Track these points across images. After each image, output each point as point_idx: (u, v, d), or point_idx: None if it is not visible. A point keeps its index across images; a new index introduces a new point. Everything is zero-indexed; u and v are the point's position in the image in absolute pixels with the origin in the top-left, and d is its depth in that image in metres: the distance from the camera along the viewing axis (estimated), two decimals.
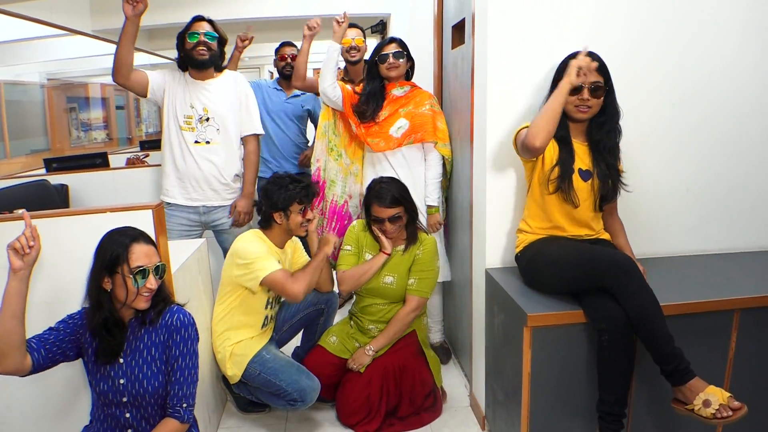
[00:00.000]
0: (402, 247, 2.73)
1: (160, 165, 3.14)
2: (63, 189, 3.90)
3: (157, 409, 1.83)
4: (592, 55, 2.13)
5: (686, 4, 2.39)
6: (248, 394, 2.67)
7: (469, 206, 2.73)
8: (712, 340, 2.15)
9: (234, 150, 3.06)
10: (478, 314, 2.65)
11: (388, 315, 2.73)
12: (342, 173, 3.25)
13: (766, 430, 2.24)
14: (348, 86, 3.13)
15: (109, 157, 4.84)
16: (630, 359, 1.96)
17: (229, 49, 3.18)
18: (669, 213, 2.56)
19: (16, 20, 4.31)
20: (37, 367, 1.69)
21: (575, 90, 2.12)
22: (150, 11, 2.73)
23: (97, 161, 4.62)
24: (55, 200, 3.72)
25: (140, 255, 1.72)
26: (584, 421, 2.11)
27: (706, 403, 1.81)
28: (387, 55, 2.98)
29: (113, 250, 1.71)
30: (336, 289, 2.85)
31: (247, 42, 3.53)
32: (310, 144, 4.14)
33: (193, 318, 1.86)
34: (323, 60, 3.06)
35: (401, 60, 2.99)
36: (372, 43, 3.71)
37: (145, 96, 2.97)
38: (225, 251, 3.12)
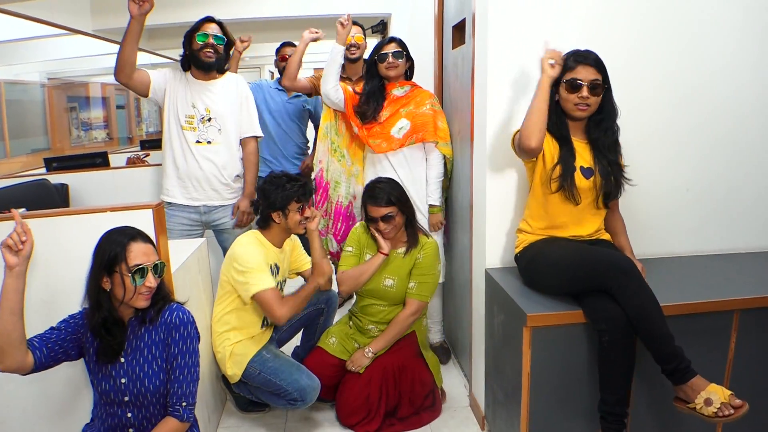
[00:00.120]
0: (402, 249, 2.72)
1: (160, 164, 3.14)
2: (63, 188, 3.90)
3: (159, 408, 1.83)
4: (587, 52, 2.15)
5: (686, 4, 2.39)
6: (248, 393, 2.67)
7: (469, 206, 2.72)
8: (712, 341, 2.15)
9: (234, 150, 3.06)
10: (477, 314, 2.65)
11: (389, 316, 2.73)
12: (345, 174, 3.26)
13: (766, 430, 2.24)
14: (349, 87, 3.13)
15: (110, 156, 4.84)
16: (630, 359, 1.96)
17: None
18: (669, 213, 2.56)
19: (17, 20, 4.31)
20: (39, 366, 1.69)
21: (574, 88, 2.13)
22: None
23: (98, 161, 4.62)
24: (55, 200, 3.72)
25: (138, 253, 1.72)
26: (584, 421, 2.11)
27: (708, 402, 1.82)
28: (386, 54, 2.98)
29: (111, 249, 1.71)
30: (336, 288, 2.85)
31: (246, 44, 3.54)
32: (310, 144, 4.14)
33: (192, 316, 1.86)
34: (326, 61, 3.06)
35: (400, 60, 3.00)
36: (372, 42, 3.71)
37: (146, 96, 2.97)
38: (225, 251, 3.12)
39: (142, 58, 2.87)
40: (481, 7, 2.39)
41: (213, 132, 2.98)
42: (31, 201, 3.37)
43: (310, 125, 4.10)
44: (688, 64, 2.44)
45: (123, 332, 1.78)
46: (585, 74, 2.12)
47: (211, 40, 2.91)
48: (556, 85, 2.19)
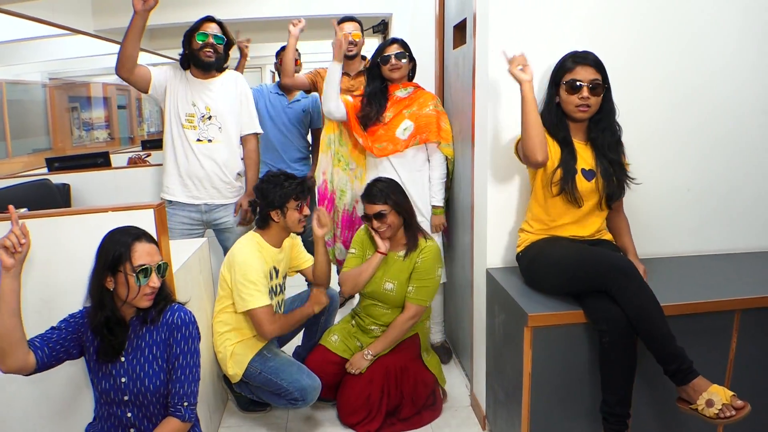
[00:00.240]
0: (402, 252, 2.71)
1: (161, 164, 3.14)
2: (65, 188, 3.90)
3: (159, 407, 1.83)
4: (585, 53, 2.15)
5: (686, 4, 2.39)
6: (249, 393, 2.68)
7: (470, 206, 2.73)
8: (713, 341, 2.15)
9: (235, 148, 3.07)
10: (478, 314, 2.65)
11: (391, 318, 2.73)
12: (350, 181, 3.26)
13: (767, 430, 2.24)
14: (349, 97, 3.12)
15: (111, 156, 4.84)
16: (631, 360, 1.96)
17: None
18: (669, 213, 2.56)
19: (18, 20, 4.32)
20: (41, 366, 1.69)
21: (574, 89, 2.13)
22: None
23: (99, 161, 4.62)
24: (57, 200, 3.72)
25: (143, 253, 1.73)
26: (585, 421, 2.11)
27: (710, 403, 1.81)
28: (389, 56, 2.98)
29: (116, 249, 1.71)
30: (337, 288, 2.86)
31: (247, 44, 3.55)
32: (311, 148, 4.15)
33: (193, 316, 1.86)
34: (325, 82, 3.07)
35: (403, 61, 2.99)
36: (372, 41, 3.71)
37: (146, 92, 2.97)
38: (226, 250, 3.13)
39: (143, 59, 2.88)
40: (482, 7, 2.39)
41: (213, 130, 2.98)
42: (32, 201, 3.37)
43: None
44: (689, 64, 2.44)
45: (124, 331, 1.79)
46: (584, 74, 2.12)
47: (211, 40, 2.91)
48: (555, 87, 2.19)
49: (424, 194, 3.06)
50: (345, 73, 3.63)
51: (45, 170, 4.44)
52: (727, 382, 2.18)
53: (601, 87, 2.14)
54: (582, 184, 2.17)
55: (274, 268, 2.62)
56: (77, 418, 2.03)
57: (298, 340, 2.97)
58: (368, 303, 2.79)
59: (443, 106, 3.27)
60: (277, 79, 4.13)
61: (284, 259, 2.70)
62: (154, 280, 1.74)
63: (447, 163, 3.07)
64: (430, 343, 3.09)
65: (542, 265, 2.19)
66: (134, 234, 1.75)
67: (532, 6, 2.31)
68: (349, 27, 3.55)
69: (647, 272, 2.20)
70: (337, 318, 2.98)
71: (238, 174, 3.11)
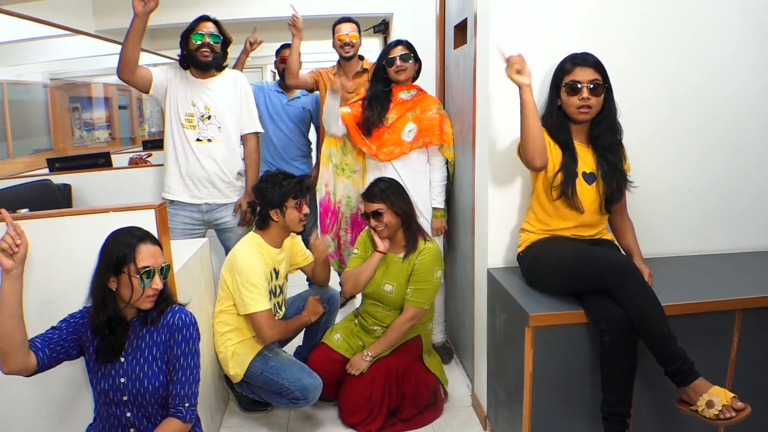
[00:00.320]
0: (402, 254, 2.70)
1: (162, 165, 3.14)
2: (66, 189, 3.91)
3: (158, 408, 1.83)
4: (584, 54, 2.15)
5: (686, 4, 2.39)
6: (250, 393, 2.68)
7: (471, 206, 2.72)
8: (714, 341, 2.15)
9: (235, 148, 3.07)
10: (479, 314, 2.65)
11: (392, 319, 2.73)
12: (353, 185, 3.27)
13: None
14: (346, 108, 3.12)
15: (112, 156, 4.85)
16: (632, 360, 1.96)
17: (232, 49, 3.18)
18: (670, 213, 2.56)
19: (19, 20, 4.32)
20: (42, 367, 1.69)
21: (574, 90, 2.12)
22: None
23: (100, 161, 4.63)
24: (58, 200, 3.73)
25: (147, 255, 1.73)
26: (586, 420, 2.11)
27: (710, 404, 1.81)
28: (394, 58, 2.98)
29: (120, 249, 1.71)
30: (338, 288, 2.86)
31: (256, 46, 3.54)
32: (313, 146, 4.14)
33: (194, 318, 1.86)
34: (324, 110, 3.08)
35: (409, 62, 2.99)
36: (372, 41, 3.71)
37: (147, 92, 2.97)
38: (227, 250, 3.13)
39: (144, 59, 2.89)
40: (483, 7, 2.39)
41: (213, 130, 2.98)
42: (34, 201, 3.38)
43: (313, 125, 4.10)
44: (689, 64, 2.43)
45: (125, 332, 1.79)
46: (583, 75, 2.12)
47: (208, 39, 2.91)
48: (556, 90, 2.19)
49: (425, 196, 3.05)
50: (343, 74, 3.64)
51: (46, 170, 4.44)
52: (728, 382, 2.18)
53: (602, 87, 2.13)
54: (582, 187, 2.17)
55: (275, 269, 2.62)
56: (77, 419, 2.03)
57: (299, 340, 2.98)
58: (370, 303, 2.79)
59: (444, 106, 3.27)
60: (277, 78, 4.13)
61: (285, 259, 2.70)
62: (157, 282, 1.74)
63: (447, 166, 3.07)
64: (431, 343, 3.09)
65: (543, 264, 2.19)
66: (138, 235, 1.75)
67: (532, 6, 2.30)
68: (347, 28, 3.55)
69: (652, 275, 2.19)
70: (339, 317, 2.98)
71: (239, 173, 3.11)
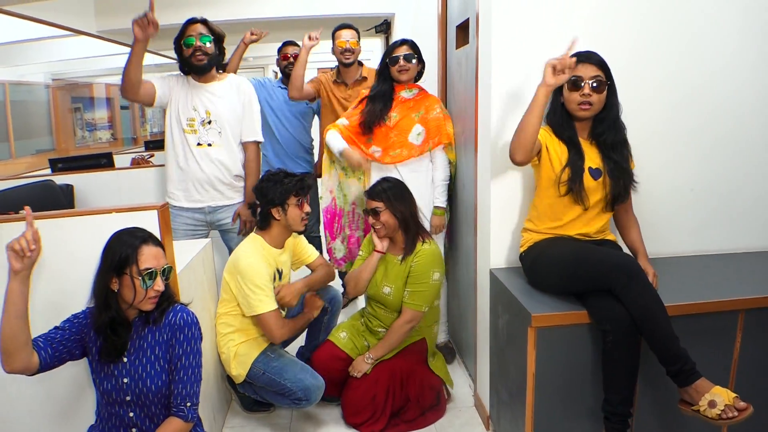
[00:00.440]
0: (400, 257, 2.70)
1: (164, 165, 3.14)
2: (68, 189, 3.92)
3: (161, 408, 1.83)
4: (588, 52, 2.14)
5: (686, 4, 2.38)
6: (253, 393, 2.68)
7: (473, 207, 2.72)
8: (717, 341, 2.14)
9: (235, 152, 3.06)
10: (482, 314, 2.65)
11: (394, 321, 2.73)
12: (362, 186, 3.27)
13: None
14: (343, 120, 3.13)
15: (114, 157, 4.86)
16: (635, 360, 1.96)
17: (231, 50, 3.17)
18: (671, 213, 2.55)
19: (21, 21, 4.33)
20: (44, 366, 1.70)
21: (575, 86, 2.12)
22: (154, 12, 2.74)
23: (102, 161, 4.64)
24: (61, 200, 3.74)
25: (149, 257, 1.73)
26: (589, 421, 2.11)
27: (712, 404, 1.81)
28: (398, 57, 2.97)
29: (122, 251, 1.71)
30: (341, 288, 2.86)
31: (255, 37, 3.51)
32: (315, 143, 4.14)
33: (196, 317, 1.86)
34: (330, 147, 3.11)
35: (412, 62, 2.99)
36: (374, 42, 3.71)
37: (151, 105, 2.99)
38: (230, 250, 3.13)
39: (146, 59, 2.89)
40: (485, 7, 2.39)
41: (213, 134, 2.98)
42: (36, 202, 3.38)
43: (315, 123, 4.10)
44: (689, 64, 2.43)
45: (128, 332, 1.79)
46: (586, 71, 2.12)
47: (198, 42, 2.89)
48: (559, 87, 2.18)
49: (428, 195, 3.05)
50: (342, 82, 3.64)
51: (48, 171, 4.45)
52: (732, 382, 2.18)
53: (604, 84, 2.13)
54: (589, 182, 2.16)
55: (278, 270, 2.62)
56: (79, 419, 2.03)
57: (301, 340, 2.97)
58: (373, 305, 2.79)
59: (446, 106, 3.27)
60: (279, 76, 4.13)
61: (287, 260, 2.70)
62: (159, 284, 1.74)
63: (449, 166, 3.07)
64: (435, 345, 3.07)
65: (545, 264, 2.19)
66: (141, 236, 1.75)
67: (534, 6, 2.30)
68: (347, 34, 3.56)
69: (657, 276, 2.18)
70: (342, 318, 2.97)
71: (238, 175, 3.09)
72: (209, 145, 2.97)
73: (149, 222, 1.94)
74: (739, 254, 2.60)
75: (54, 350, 1.71)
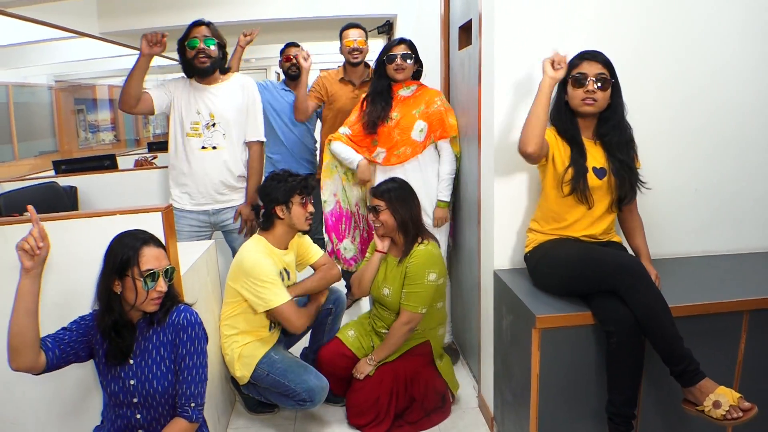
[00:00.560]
0: (399, 258, 2.70)
1: (168, 167, 3.15)
2: (72, 191, 3.93)
3: (168, 409, 1.84)
4: (593, 51, 2.15)
5: (690, 3, 2.38)
6: (257, 394, 2.68)
7: (477, 208, 2.72)
8: (721, 342, 2.14)
9: (238, 154, 3.06)
10: (486, 315, 2.64)
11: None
12: (363, 190, 3.27)
13: None
14: (345, 129, 3.14)
15: (117, 158, 4.87)
16: (639, 360, 1.96)
17: (229, 51, 3.18)
18: (676, 213, 2.55)
19: (24, 23, 4.34)
20: (51, 366, 1.70)
21: (579, 83, 2.12)
22: (156, 13, 2.75)
23: (106, 163, 4.66)
24: (64, 202, 3.75)
25: (150, 258, 1.73)
26: (593, 422, 2.11)
27: (717, 404, 1.81)
28: (395, 56, 2.97)
29: (123, 253, 1.72)
30: (344, 289, 2.86)
31: (249, 37, 3.51)
32: (317, 144, 4.14)
33: (199, 317, 1.87)
34: (338, 156, 3.13)
35: (409, 62, 2.99)
36: (378, 43, 3.71)
37: (152, 114, 3.00)
38: (234, 251, 3.14)
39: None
40: (488, 7, 2.39)
41: (218, 137, 2.98)
42: (40, 203, 3.37)
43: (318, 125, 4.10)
44: (692, 64, 2.43)
45: (132, 334, 1.80)
46: (590, 68, 2.12)
47: (202, 45, 2.90)
48: (563, 85, 2.19)
49: (432, 191, 3.04)
50: (349, 81, 3.64)
51: (52, 173, 4.46)
52: (737, 382, 2.17)
53: (608, 82, 2.13)
54: (593, 182, 2.16)
55: (285, 269, 2.62)
56: (85, 420, 2.04)
57: (305, 341, 2.97)
58: (377, 306, 2.80)
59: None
60: (282, 78, 4.13)
61: (293, 260, 2.70)
62: (162, 285, 1.74)
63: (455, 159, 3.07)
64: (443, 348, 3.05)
65: (550, 265, 2.19)
66: (142, 238, 1.76)
67: (537, 7, 2.30)
68: (355, 33, 3.56)
69: (659, 277, 2.18)
70: (345, 320, 2.97)
71: (240, 176, 3.10)
72: (214, 148, 2.97)
73: (153, 224, 1.94)
74: (743, 254, 2.59)
75: (61, 351, 1.72)
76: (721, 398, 1.81)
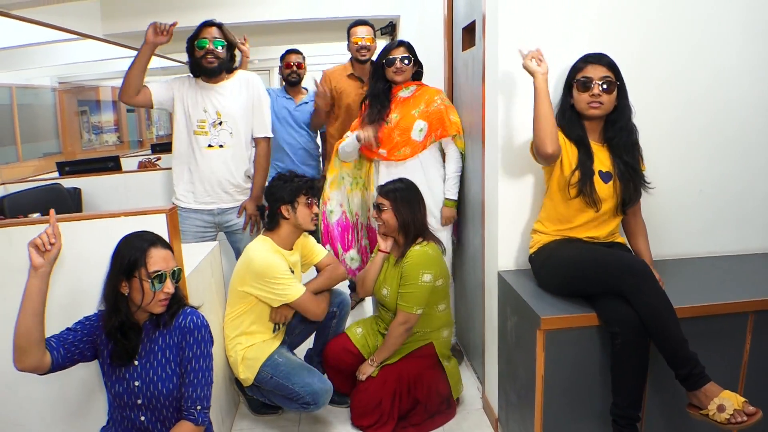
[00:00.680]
0: (396, 259, 2.71)
1: (171, 168, 3.15)
2: (76, 192, 3.94)
3: (172, 411, 1.84)
4: (598, 54, 2.15)
5: (693, 4, 2.38)
6: (261, 396, 2.68)
7: (481, 208, 2.72)
8: (726, 344, 2.13)
9: (244, 152, 3.07)
10: (490, 316, 2.64)
11: None
12: (363, 198, 3.26)
13: None
14: (349, 135, 3.13)
15: (121, 160, 4.87)
16: (643, 362, 1.95)
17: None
18: (680, 214, 2.55)
19: (28, 25, 4.35)
20: (56, 366, 1.71)
21: (585, 86, 2.12)
22: (159, 15, 2.75)
23: (110, 164, 4.67)
24: (68, 204, 3.76)
25: (158, 259, 1.74)
26: (597, 423, 2.11)
27: (721, 408, 1.80)
28: (394, 59, 2.97)
29: (131, 254, 1.72)
30: (348, 291, 2.86)
31: (243, 46, 3.52)
32: (320, 149, 4.15)
33: (206, 320, 1.87)
34: (344, 148, 3.11)
35: (408, 65, 2.99)
36: (380, 44, 3.70)
37: (151, 107, 3.01)
38: (237, 252, 3.14)
39: (152, 61, 2.91)
40: (492, 9, 2.39)
41: (225, 135, 2.98)
42: (44, 205, 3.41)
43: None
44: (696, 64, 2.42)
45: (138, 335, 1.80)
46: (594, 72, 2.12)
47: (211, 46, 2.90)
48: (569, 88, 2.18)
49: (438, 194, 3.04)
50: (358, 78, 3.64)
51: (56, 174, 4.47)
52: (741, 385, 2.17)
53: (614, 85, 2.13)
54: (599, 186, 2.16)
55: (290, 269, 2.62)
56: (91, 420, 2.04)
57: (309, 342, 2.97)
58: (380, 307, 2.81)
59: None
60: (283, 83, 4.14)
61: (298, 261, 2.70)
62: (169, 286, 1.75)
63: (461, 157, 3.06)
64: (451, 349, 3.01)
65: (555, 266, 2.19)
66: (150, 239, 1.76)
67: (541, 7, 2.30)
68: (363, 31, 3.56)
69: (661, 280, 2.18)
70: (349, 321, 2.97)
71: (247, 176, 3.11)
72: (220, 146, 2.98)
73: (158, 225, 1.95)
74: (748, 255, 2.59)
75: (66, 351, 1.72)
76: (726, 402, 1.80)
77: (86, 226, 1.97)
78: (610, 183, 2.17)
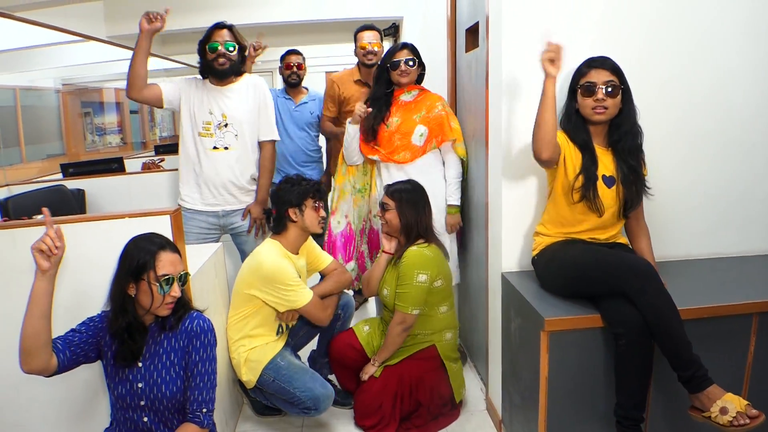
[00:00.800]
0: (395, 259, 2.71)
1: (176, 170, 3.15)
2: (79, 194, 3.94)
3: (174, 413, 1.84)
4: (601, 58, 2.14)
5: (696, 5, 2.38)
6: (264, 398, 2.68)
7: (484, 210, 2.72)
8: (730, 346, 2.13)
9: (250, 155, 3.07)
10: (494, 318, 2.64)
11: None
12: (363, 204, 3.27)
13: None
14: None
15: (125, 161, 4.88)
16: (647, 364, 1.95)
17: None
18: (683, 216, 2.54)
19: (31, 27, 4.35)
20: (62, 368, 1.71)
21: (589, 92, 2.12)
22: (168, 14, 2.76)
23: (114, 166, 4.67)
24: (72, 205, 3.76)
25: (166, 263, 1.74)
26: (601, 425, 2.10)
27: (723, 411, 1.80)
28: (399, 62, 2.97)
29: (140, 256, 1.73)
30: (351, 292, 2.87)
31: (260, 51, 3.53)
32: (322, 150, 4.15)
33: (212, 324, 1.87)
34: (345, 141, 3.10)
35: (413, 67, 2.99)
36: (384, 46, 3.71)
37: (161, 107, 3.01)
38: (243, 254, 3.15)
39: (155, 63, 2.90)
40: (495, 10, 2.39)
41: (230, 137, 2.99)
42: (48, 207, 3.39)
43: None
44: (699, 66, 2.42)
45: (144, 337, 1.80)
46: (598, 77, 2.12)
47: (222, 49, 2.91)
48: (573, 93, 2.18)
49: (439, 196, 3.04)
50: (365, 84, 3.64)
51: (60, 176, 4.48)
52: (745, 386, 2.16)
53: (618, 89, 2.12)
54: (603, 190, 2.16)
55: (298, 274, 2.62)
56: (94, 422, 2.05)
57: (313, 344, 2.97)
58: (383, 307, 2.82)
59: (455, 109, 3.27)
60: (283, 84, 4.14)
61: (304, 266, 2.71)
62: (176, 290, 1.75)
63: (461, 163, 3.06)
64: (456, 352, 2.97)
65: (559, 267, 2.18)
66: (159, 242, 1.77)
67: (544, 9, 2.30)
68: (369, 36, 3.56)
69: (666, 284, 2.18)
70: (353, 321, 2.97)
71: (252, 178, 3.11)
72: (225, 148, 2.99)
73: (162, 227, 1.95)
74: (752, 257, 2.59)
75: (71, 352, 1.73)
76: (728, 405, 1.80)
77: (91, 227, 1.98)
78: (614, 188, 2.17)
